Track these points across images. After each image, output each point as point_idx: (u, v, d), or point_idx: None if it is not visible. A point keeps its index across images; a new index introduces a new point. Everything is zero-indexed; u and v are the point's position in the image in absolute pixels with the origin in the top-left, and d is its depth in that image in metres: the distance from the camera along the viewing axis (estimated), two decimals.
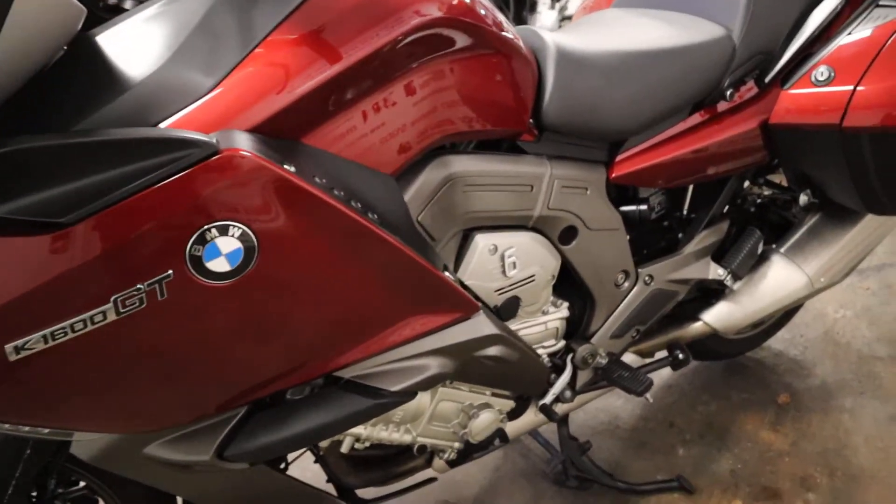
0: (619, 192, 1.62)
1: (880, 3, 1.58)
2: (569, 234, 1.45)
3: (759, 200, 1.89)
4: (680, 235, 1.70)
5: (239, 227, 0.93)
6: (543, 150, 1.40)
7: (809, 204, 1.79)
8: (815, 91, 1.53)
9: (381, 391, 1.16)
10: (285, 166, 0.94)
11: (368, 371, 1.15)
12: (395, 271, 1.07)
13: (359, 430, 1.30)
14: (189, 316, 0.96)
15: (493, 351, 1.25)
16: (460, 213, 1.28)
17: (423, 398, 1.34)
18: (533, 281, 1.42)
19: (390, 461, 1.47)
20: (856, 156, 1.53)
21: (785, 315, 2.20)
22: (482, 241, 1.34)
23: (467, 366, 1.26)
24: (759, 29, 1.54)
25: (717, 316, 1.75)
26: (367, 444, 1.34)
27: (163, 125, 0.95)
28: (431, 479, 1.55)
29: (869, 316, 2.39)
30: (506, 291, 1.40)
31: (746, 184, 1.81)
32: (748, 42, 1.54)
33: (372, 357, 1.14)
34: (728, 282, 1.69)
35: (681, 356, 1.74)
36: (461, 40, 1.19)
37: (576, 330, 1.60)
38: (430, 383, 1.21)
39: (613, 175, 1.49)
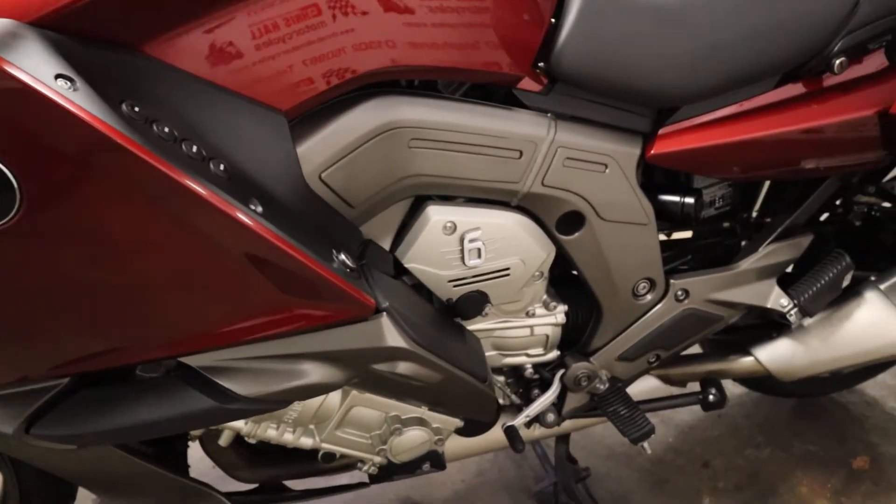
0: (667, 177, 1.23)
1: None
2: (571, 221, 1.10)
3: (874, 213, 1.43)
4: (743, 244, 1.29)
5: None
6: (551, 107, 1.05)
7: None
8: None
9: (229, 393, 0.88)
10: (60, 81, 0.66)
11: (222, 364, 0.88)
12: (233, 245, 0.77)
13: (237, 424, 1.04)
14: None
15: (400, 368, 0.94)
16: (400, 175, 0.96)
17: (333, 398, 1.05)
18: (507, 275, 1.08)
19: (299, 457, 1.19)
20: None
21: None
22: (435, 214, 1.02)
23: (369, 379, 0.96)
24: None
25: (773, 355, 1.33)
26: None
27: None
28: (364, 484, 1.28)
29: None
30: (465, 284, 1.07)
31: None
32: None
33: (228, 348, 0.87)
34: (792, 317, 1.26)
35: (712, 397, 1.35)
36: None
37: (576, 341, 1.26)
38: (304, 393, 0.93)
39: (652, 152, 1.10)
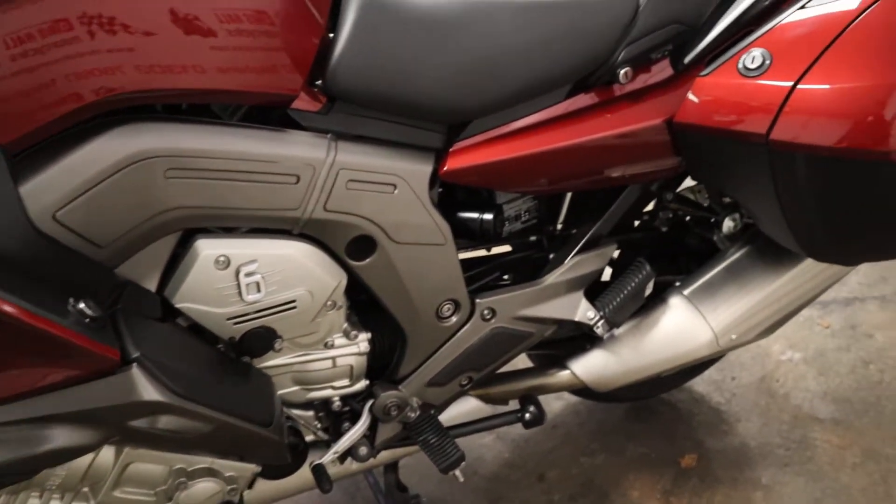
0: (468, 193, 1.20)
1: None
2: (362, 246, 1.04)
3: (684, 219, 1.45)
4: (551, 258, 1.27)
5: None
6: (331, 126, 0.99)
7: (735, 232, 1.36)
8: (739, 82, 1.08)
9: None
10: None
11: None
12: None
13: None
14: None
15: (162, 422, 0.85)
16: (158, 209, 0.87)
17: (105, 455, 0.94)
18: (294, 308, 1.01)
19: None
20: (787, 182, 1.09)
21: None
22: (205, 249, 0.94)
23: (132, 436, 0.87)
24: None
25: (587, 367, 1.33)
26: None
27: None
28: None
29: (820, 363, 1.95)
30: (247, 320, 0.99)
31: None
32: (659, 4, 1.10)
33: None
34: (599, 329, 1.26)
35: (529, 415, 1.32)
36: None
37: (385, 369, 1.20)
38: (51, 459, 0.82)
39: (445, 169, 1.07)
